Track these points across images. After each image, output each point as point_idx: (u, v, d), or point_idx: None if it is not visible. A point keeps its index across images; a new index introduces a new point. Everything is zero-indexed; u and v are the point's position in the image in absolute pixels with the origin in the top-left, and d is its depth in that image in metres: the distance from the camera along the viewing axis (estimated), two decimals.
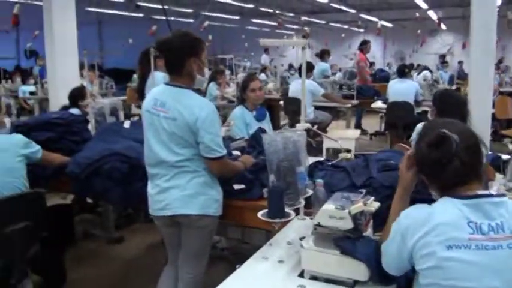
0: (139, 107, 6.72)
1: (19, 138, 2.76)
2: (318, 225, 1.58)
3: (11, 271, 2.54)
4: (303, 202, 1.89)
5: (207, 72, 8.13)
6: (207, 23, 14.23)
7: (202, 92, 4.49)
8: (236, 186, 2.35)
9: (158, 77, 4.12)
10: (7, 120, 2.86)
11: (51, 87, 6.56)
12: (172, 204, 2.27)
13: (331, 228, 1.55)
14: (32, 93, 9.90)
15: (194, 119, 2.17)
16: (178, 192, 2.25)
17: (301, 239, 1.72)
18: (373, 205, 1.57)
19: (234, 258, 3.60)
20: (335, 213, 1.53)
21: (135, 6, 16.56)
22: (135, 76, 12.53)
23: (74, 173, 2.80)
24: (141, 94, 4.32)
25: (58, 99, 6.12)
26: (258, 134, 2.96)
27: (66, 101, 5.13)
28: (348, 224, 1.53)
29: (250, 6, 17.39)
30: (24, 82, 11.06)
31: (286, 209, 1.82)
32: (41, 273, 3.17)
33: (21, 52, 24.30)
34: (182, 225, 2.34)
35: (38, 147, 2.84)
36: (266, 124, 3.91)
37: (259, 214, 1.82)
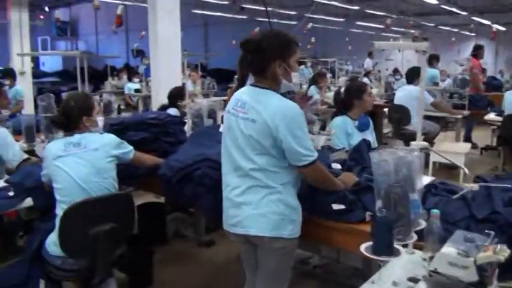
0: None
1: (111, 138, 2.71)
2: (434, 271, 1.30)
3: (95, 271, 2.49)
4: (415, 237, 1.59)
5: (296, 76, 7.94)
6: (310, 24, 13.98)
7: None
8: (335, 206, 2.10)
9: None
10: (100, 119, 2.79)
11: (154, 86, 6.73)
12: (244, 223, 2.10)
13: (451, 278, 1.27)
14: (136, 90, 10.32)
15: (275, 122, 1.98)
16: (251, 210, 2.07)
17: (410, 280, 1.46)
18: (504, 253, 1.26)
19: (326, 277, 3.36)
20: (457, 260, 1.26)
21: (240, 9, 16.75)
22: (236, 77, 12.68)
23: (165, 175, 2.71)
24: None
25: (160, 98, 6.24)
26: (362, 147, 2.70)
27: (166, 100, 5.18)
28: (473, 276, 1.24)
29: (356, 8, 16.90)
30: (130, 80, 11.54)
31: (395, 244, 1.54)
32: (128, 271, 3.15)
33: (130, 51, 25.74)
34: (256, 245, 2.15)
35: (130, 147, 2.78)
36: (370, 134, 3.62)
37: (363, 248, 1.56)
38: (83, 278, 2.62)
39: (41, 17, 14.84)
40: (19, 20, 9.93)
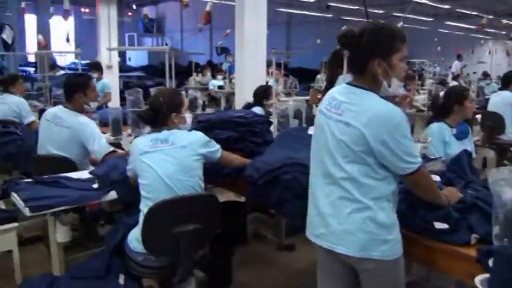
0: None
1: (199, 136, 2.66)
2: None
3: (176, 270, 2.47)
4: None
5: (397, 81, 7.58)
6: (401, 23, 13.44)
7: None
8: (438, 225, 1.89)
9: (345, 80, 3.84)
10: (188, 116, 2.75)
11: (238, 83, 6.72)
12: (329, 237, 1.91)
13: None
14: (220, 87, 10.44)
15: (374, 128, 1.78)
16: (336, 225, 1.87)
17: None
18: None
19: None
20: None
21: (325, 7, 16.51)
22: (318, 76, 12.48)
23: (252, 177, 2.63)
24: None
25: (243, 95, 6.24)
26: (463, 158, 2.47)
27: (251, 97, 5.14)
28: None
29: (447, 7, 16.15)
30: (214, 76, 11.70)
31: None
32: (207, 271, 3.11)
33: (213, 49, 26.22)
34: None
35: (217, 146, 2.73)
36: (468, 143, 3.36)
37: (477, 281, 1.36)
38: (164, 276, 2.61)
39: (129, 13, 15.28)
40: (107, 15, 10.32)
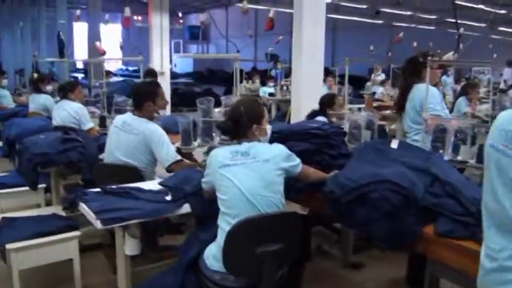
0: (384, 118, 6.32)
1: (281, 149, 2.50)
2: None
3: None
4: None
5: None
6: (461, 30, 12.96)
7: None
8: None
9: (421, 89, 3.63)
10: (269, 128, 2.58)
11: (295, 91, 6.56)
12: None
13: None
14: (271, 94, 10.30)
15: None
16: None
17: None
18: None
19: None
20: None
21: (375, 13, 16.18)
22: (368, 84, 12.19)
23: (334, 194, 2.44)
24: (401, 108, 3.88)
25: (299, 103, 6.12)
26: None
27: (307, 105, 4.95)
28: None
29: (502, 12, 15.56)
30: (263, 83, 11.58)
31: None
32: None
33: (259, 55, 26.25)
34: None
35: (298, 160, 2.56)
36: None
37: None
38: None
39: (180, 21, 15.42)
40: (160, 23, 10.37)
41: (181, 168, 3.15)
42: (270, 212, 2.32)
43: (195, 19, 35.42)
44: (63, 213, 3.74)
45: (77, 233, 3.31)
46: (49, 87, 6.64)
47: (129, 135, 3.32)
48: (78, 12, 11.59)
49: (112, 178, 3.27)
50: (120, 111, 4.40)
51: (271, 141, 2.66)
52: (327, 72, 11.47)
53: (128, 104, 4.44)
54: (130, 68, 29.79)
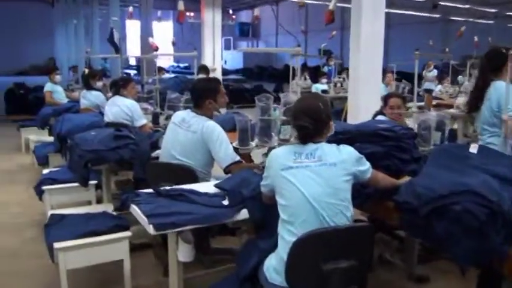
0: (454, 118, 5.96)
1: (351, 151, 2.26)
2: None
3: None
4: None
5: None
6: None
7: None
8: None
9: (499, 87, 3.30)
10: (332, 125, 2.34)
11: (352, 88, 6.26)
12: None
13: None
14: (324, 91, 9.99)
15: None
16: None
17: None
18: None
19: None
20: None
21: (432, 7, 15.55)
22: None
23: (409, 204, 2.18)
24: (474, 107, 3.56)
25: (357, 101, 5.84)
26: None
27: (365, 103, 4.69)
28: None
29: None
30: (315, 80, 11.30)
31: None
32: None
33: (309, 51, 25.90)
34: None
35: (367, 164, 2.31)
36: None
37: None
38: None
39: (233, 16, 15.34)
40: (212, 20, 10.28)
41: (239, 169, 2.96)
42: (341, 225, 2.09)
43: (245, 16, 35.48)
44: (113, 212, 3.65)
45: (127, 233, 3.18)
46: (100, 83, 6.60)
47: (187, 133, 3.16)
48: (130, 9, 11.60)
49: (166, 178, 3.13)
50: (173, 108, 4.27)
51: (334, 142, 2.42)
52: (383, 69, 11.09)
53: (182, 100, 4.30)
54: (182, 65, 30.11)
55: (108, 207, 3.70)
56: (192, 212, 2.30)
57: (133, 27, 23.42)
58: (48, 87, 7.81)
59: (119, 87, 5.10)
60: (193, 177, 3.06)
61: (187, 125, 3.17)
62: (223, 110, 3.34)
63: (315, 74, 12.44)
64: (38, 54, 29.02)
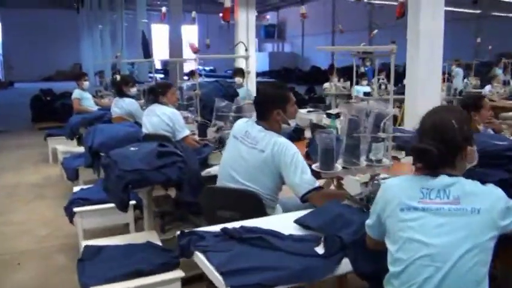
0: None
1: (499, 195, 1.60)
2: None
3: None
4: None
5: None
6: None
7: None
8: None
9: None
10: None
11: (409, 90, 5.78)
12: None
13: None
14: (366, 93, 9.32)
15: None
16: None
17: None
18: None
19: None
20: None
21: (472, 2, 14.73)
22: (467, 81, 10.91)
23: None
24: None
25: (416, 104, 5.52)
26: None
27: (424, 106, 4.12)
28: None
29: None
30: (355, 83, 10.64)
31: None
32: None
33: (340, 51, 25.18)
34: None
35: None
36: None
37: None
38: None
39: (268, 16, 14.80)
40: (246, 20, 9.77)
41: (321, 198, 2.36)
42: None
43: (271, 17, 34.97)
44: (157, 240, 3.10)
45: (179, 273, 2.62)
46: (133, 90, 6.07)
47: (252, 152, 2.56)
48: (163, 9, 11.13)
49: (224, 205, 2.57)
50: (223, 119, 3.69)
51: None
52: None
53: (232, 109, 3.71)
54: (207, 68, 29.65)
55: (152, 236, 3.15)
56: (279, 266, 1.68)
57: (159, 32, 23.13)
58: (76, 94, 7.33)
59: (157, 94, 4.55)
60: (259, 206, 2.47)
61: (253, 141, 2.57)
62: (292, 122, 2.73)
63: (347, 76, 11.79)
64: (63, 60, 29.04)
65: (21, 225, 4.68)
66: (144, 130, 4.37)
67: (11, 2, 26.64)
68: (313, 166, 2.34)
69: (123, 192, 2.99)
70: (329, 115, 8.88)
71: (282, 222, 2.15)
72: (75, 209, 3.68)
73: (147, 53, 11.34)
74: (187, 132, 4.21)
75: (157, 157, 3.06)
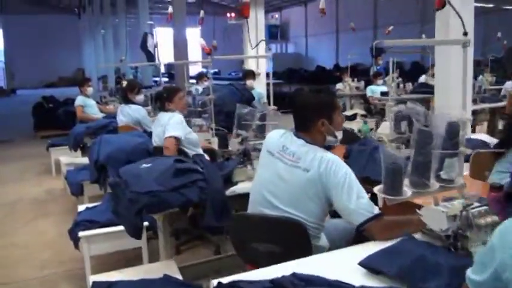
0: None
1: None
2: None
3: None
4: None
5: None
6: None
7: None
8: None
9: None
10: None
11: (440, 87, 5.39)
12: None
13: None
14: (383, 93, 8.86)
15: None
16: None
17: None
18: None
19: None
20: None
21: None
22: None
23: None
24: None
25: (449, 103, 5.03)
26: None
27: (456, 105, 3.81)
28: None
29: None
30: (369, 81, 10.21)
31: None
32: None
33: (342, 50, 24.72)
34: None
35: None
36: None
37: None
38: None
39: (276, 16, 14.32)
40: (255, 20, 9.34)
41: (384, 229, 1.91)
42: None
43: (274, 18, 34.52)
44: (176, 271, 2.67)
45: None
46: (140, 97, 5.63)
47: (293, 170, 2.10)
48: (170, 9, 10.70)
49: (260, 237, 2.12)
50: (245, 128, 3.24)
51: None
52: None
53: (257, 117, 3.25)
54: (211, 70, 29.15)
55: (169, 267, 2.72)
56: None
57: (162, 35, 22.70)
58: (79, 101, 6.90)
59: (163, 100, 4.09)
60: (304, 237, 2.02)
61: (294, 157, 2.11)
62: (339, 135, 2.26)
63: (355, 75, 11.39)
64: (66, 65, 28.70)
65: (23, 248, 4.26)
66: (154, 142, 3.94)
67: (12, 8, 26.32)
68: (376, 189, 1.88)
69: (136, 218, 2.56)
70: (345, 117, 8.45)
71: (340, 263, 1.71)
72: (81, 234, 3.25)
73: (150, 55, 10.90)
74: (174, 133, 3.73)
75: (175, 175, 2.63)
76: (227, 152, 3.23)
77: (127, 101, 5.41)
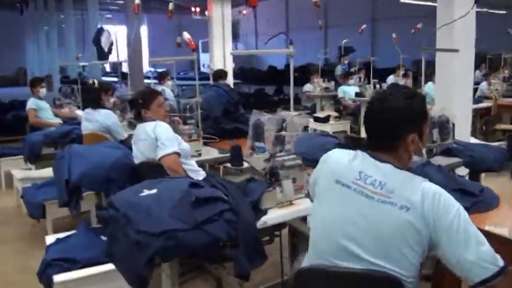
0: None
1: None
2: None
3: None
4: None
5: None
6: None
7: None
8: None
9: None
10: None
11: (441, 89, 5.16)
12: None
13: None
14: (358, 94, 8.46)
15: None
16: None
17: None
18: None
19: None
20: None
21: None
22: None
23: None
24: None
25: (451, 107, 4.59)
26: None
27: (459, 107, 4.41)
28: None
29: None
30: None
31: None
32: None
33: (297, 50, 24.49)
34: None
35: None
36: None
37: None
38: None
39: (244, 11, 13.69)
40: (221, 16, 8.79)
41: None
42: None
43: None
44: None
45: None
46: (111, 101, 4.91)
47: (383, 208, 1.50)
48: (137, 1, 9.93)
49: None
50: (261, 138, 2.64)
51: None
52: None
53: (276, 125, 2.63)
54: (159, 70, 28.15)
55: None
56: None
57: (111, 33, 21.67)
58: (31, 103, 6.04)
59: (138, 107, 3.39)
60: None
61: (381, 189, 1.53)
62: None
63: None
64: (6, 64, 26.84)
65: None
66: (136, 160, 3.23)
67: None
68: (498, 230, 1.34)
69: (145, 267, 1.92)
70: (317, 119, 7.95)
71: None
72: (56, 278, 2.57)
73: (103, 52, 10.05)
74: (173, 149, 3.07)
75: (195, 206, 2.01)
76: (245, 170, 2.58)
77: (96, 104, 4.66)
